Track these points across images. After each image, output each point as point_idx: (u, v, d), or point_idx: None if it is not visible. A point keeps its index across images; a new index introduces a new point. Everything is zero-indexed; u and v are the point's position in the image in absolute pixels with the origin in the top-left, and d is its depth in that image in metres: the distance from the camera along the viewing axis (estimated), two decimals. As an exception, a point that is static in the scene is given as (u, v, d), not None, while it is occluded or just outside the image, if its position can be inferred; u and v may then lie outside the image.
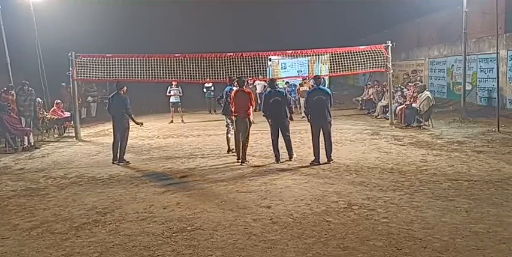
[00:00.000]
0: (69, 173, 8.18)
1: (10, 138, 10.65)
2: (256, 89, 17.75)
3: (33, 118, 12.65)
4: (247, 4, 31.96)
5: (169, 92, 15.60)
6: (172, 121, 15.56)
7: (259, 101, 14.14)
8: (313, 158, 8.31)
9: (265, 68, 17.79)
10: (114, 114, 8.90)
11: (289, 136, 8.74)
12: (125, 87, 9.09)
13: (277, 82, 9.79)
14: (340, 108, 17.92)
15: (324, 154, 8.29)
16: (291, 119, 8.85)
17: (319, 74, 19.28)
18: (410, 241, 4.46)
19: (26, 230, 5.17)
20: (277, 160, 8.51)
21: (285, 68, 21.15)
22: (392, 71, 13.77)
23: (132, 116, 8.99)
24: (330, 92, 8.58)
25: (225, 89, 9.57)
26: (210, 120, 15.93)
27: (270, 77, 20.27)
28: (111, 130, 9.21)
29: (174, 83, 15.14)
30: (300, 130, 11.99)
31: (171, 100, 15.62)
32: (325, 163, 8.15)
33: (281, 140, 8.69)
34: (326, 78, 20.28)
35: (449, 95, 17.85)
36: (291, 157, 8.66)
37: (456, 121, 12.97)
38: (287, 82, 18.20)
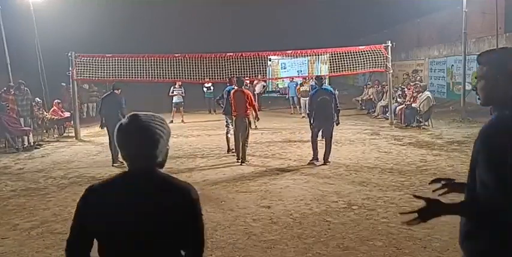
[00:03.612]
0: (69, 173, 8.18)
1: (10, 138, 10.66)
2: (255, 90, 17.65)
3: (29, 118, 12.61)
4: (247, 4, 31.94)
5: (173, 92, 15.61)
6: (172, 121, 15.55)
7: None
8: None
9: (265, 68, 17.81)
10: (108, 114, 8.77)
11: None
12: (120, 89, 9.06)
13: (324, 80, 9.07)
14: (340, 108, 17.90)
15: (322, 154, 8.25)
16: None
17: (319, 74, 19.35)
18: (410, 241, 4.46)
19: (26, 230, 5.17)
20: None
21: (284, 68, 21.17)
22: (392, 71, 13.77)
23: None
24: (333, 91, 8.46)
25: (226, 89, 9.58)
26: (210, 120, 15.93)
27: (270, 76, 20.39)
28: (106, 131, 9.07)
29: (177, 83, 15.16)
30: (300, 129, 11.99)
31: (174, 100, 15.62)
32: (321, 165, 8.09)
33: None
34: (326, 78, 20.32)
35: (449, 95, 17.85)
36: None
37: (456, 121, 12.97)
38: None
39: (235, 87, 8.77)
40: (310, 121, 8.34)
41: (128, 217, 1.71)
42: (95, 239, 1.83)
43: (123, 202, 1.73)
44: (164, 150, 1.81)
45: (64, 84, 16.00)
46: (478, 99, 2.09)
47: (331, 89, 8.60)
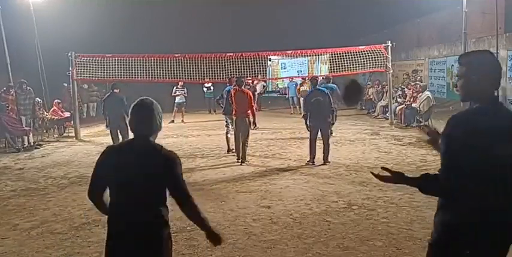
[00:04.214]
0: (69, 173, 8.18)
1: (10, 138, 10.65)
2: (256, 90, 17.63)
3: (32, 117, 12.62)
4: (247, 4, 31.93)
5: (175, 92, 15.63)
6: (173, 121, 15.57)
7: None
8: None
9: (265, 68, 17.81)
10: (112, 114, 8.83)
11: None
12: (119, 89, 9.19)
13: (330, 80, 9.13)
14: (340, 108, 17.91)
15: (321, 155, 8.24)
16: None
17: (319, 74, 19.34)
18: (410, 241, 4.46)
19: (26, 230, 5.17)
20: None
21: (284, 68, 21.17)
22: (392, 71, 13.77)
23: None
24: (327, 91, 8.43)
25: (225, 89, 9.57)
26: (210, 120, 15.94)
27: (270, 76, 20.39)
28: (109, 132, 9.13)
29: (180, 83, 15.16)
30: (300, 129, 11.97)
31: (176, 100, 15.65)
32: (321, 165, 8.10)
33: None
34: (331, 78, 20.28)
35: (449, 95, 17.83)
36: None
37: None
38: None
39: (235, 87, 8.73)
40: (306, 123, 8.34)
41: (128, 166, 2.53)
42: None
43: (126, 158, 2.57)
44: (157, 124, 2.66)
45: (66, 84, 15.99)
46: (459, 95, 2.40)
47: (325, 89, 8.60)
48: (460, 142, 2.18)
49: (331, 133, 8.37)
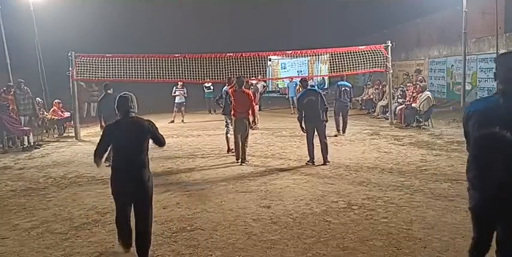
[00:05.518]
0: (69, 173, 8.18)
1: (10, 138, 10.65)
2: (258, 90, 17.57)
3: (33, 116, 12.60)
4: (247, 4, 31.96)
5: (175, 92, 15.61)
6: (173, 121, 15.56)
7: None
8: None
9: (265, 68, 17.82)
10: (109, 114, 8.87)
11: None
12: (112, 89, 9.41)
13: (308, 81, 9.33)
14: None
15: (320, 155, 8.23)
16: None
17: (319, 74, 19.38)
18: (410, 241, 4.46)
19: (25, 230, 5.17)
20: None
21: (284, 68, 21.20)
22: (392, 71, 13.77)
23: None
24: (319, 91, 8.52)
25: (224, 89, 9.57)
26: (210, 120, 15.93)
27: (270, 76, 20.39)
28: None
29: (179, 83, 15.13)
30: (300, 129, 11.97)
31: (176, 101, 15.63)
32: (321, 165, 8.10)
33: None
34: (326, 78, 20.33)
35: (449, 95, 17.84)
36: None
37: (456, 121, 12.95)
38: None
39: (233, 87, 8.69)
40: (300, 125, 8.31)
41: (122, 133, 4.10)
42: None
43: (121, 127, 4.15)
44: (134, 108, 4.22)
45: (82, 84, 15.95)
46: None
47: (316, 89, 8.64)
48: (466, 120, 2.87)
49: (343, 133, 8.35)
